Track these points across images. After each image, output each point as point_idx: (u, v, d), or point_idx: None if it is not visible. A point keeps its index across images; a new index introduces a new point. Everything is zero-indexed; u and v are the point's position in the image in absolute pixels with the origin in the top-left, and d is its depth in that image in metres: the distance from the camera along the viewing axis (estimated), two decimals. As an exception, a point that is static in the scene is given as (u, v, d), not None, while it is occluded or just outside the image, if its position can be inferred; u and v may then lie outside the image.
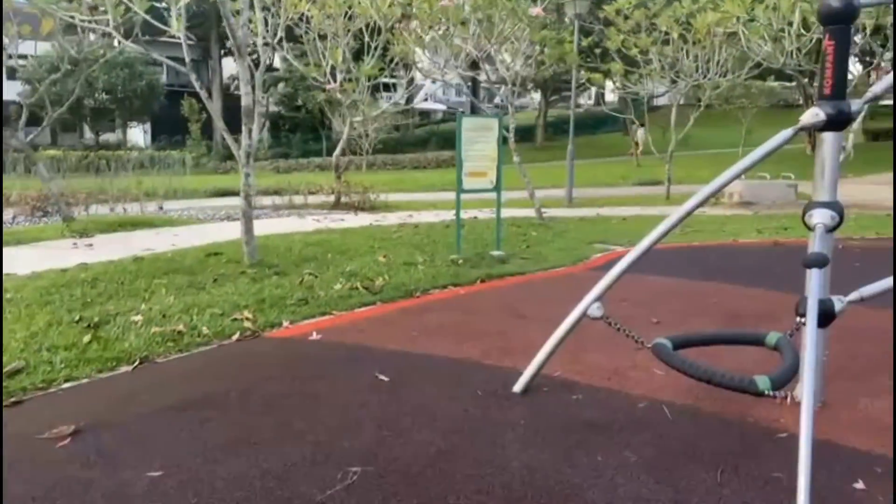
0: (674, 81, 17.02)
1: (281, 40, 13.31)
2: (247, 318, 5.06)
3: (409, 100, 26.11)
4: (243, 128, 6.77)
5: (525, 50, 12.19)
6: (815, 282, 3.03)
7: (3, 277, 6.16)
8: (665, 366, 3.54)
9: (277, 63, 41.21)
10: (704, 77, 15.97)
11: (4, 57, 8.75)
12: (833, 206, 3.31)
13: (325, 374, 4.12)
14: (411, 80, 15.58)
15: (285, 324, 5.06)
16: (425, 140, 41.94)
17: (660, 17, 14.89)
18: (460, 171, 7.50)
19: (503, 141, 10.09)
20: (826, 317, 3.15)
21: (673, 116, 18.05)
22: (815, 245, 3.24)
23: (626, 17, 15.26)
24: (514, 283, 6.76)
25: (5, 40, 9.26)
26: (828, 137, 3.43)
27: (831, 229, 3.29)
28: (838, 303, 3.23)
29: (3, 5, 7.94)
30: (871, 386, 3.91)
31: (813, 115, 3.20)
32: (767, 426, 3.30)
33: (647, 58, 16.03)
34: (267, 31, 8.37)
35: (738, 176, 3.57)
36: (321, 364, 4.31)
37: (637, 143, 31.79)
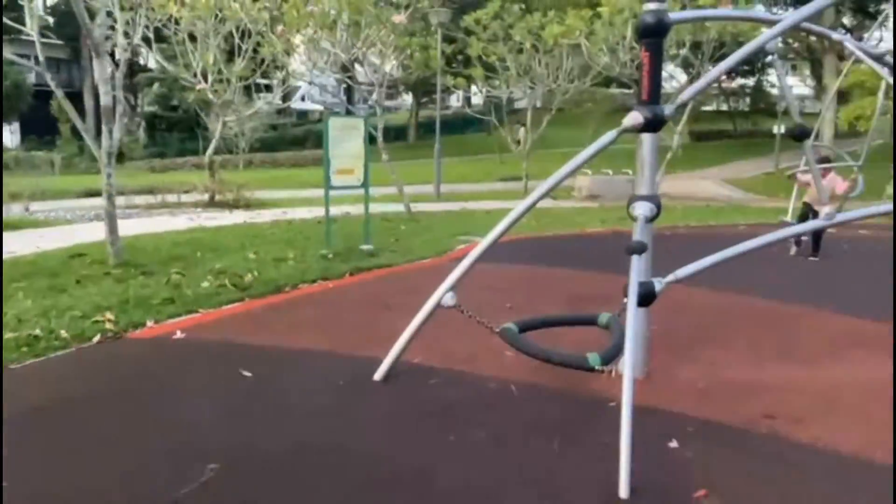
0: (531, 87, 17.55)
1: (148, 41, 12.45)
2: (109, 320, 4.64)
3: (286, 99, 25.06)
4: (104, 128, 6.23)
5: (391, 54, 12.09)
6: (635, 267, 3.16)
7: None
8: (512, 349, 3.59)
9: (152, 63, 38.63)
10: (555, 83, 16.57)
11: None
12: (652, 199, 3.47)
13: (187, 373, 3.86)
14: (284, 81, 14.99)
15: (149, 324, 4.68)
16: (303, 139, 40.61)
17: (515, 28, 15.27)
18: (328, 170, 7.31)
19: (372, 140, 9.97)
20: (648, 297, 3.30)
21: (529, 118, 18.61)
22: (637, 234, 3.38)
23: (485, 28, 15.53)
24: (382, 275, 6.66)
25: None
26: (646, 138, 3.59)
27: (651, 220, 3.45)
28: (658, 284, 3.39)
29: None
30: (688, 356, 4.18)
31: (633, 118, 3.33)
32: (601, 397, 3.42)
33: (505, 65, 16.41)
34: (131, 30, 7.70)
35: (571, 173, 3.66)
36: (184, 363, 4.03)
37: (520, 141, 32.79)
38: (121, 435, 3.03)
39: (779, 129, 28.72)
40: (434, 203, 15.67)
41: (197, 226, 10.17)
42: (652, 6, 3.28)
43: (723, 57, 13.23)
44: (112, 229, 6.46)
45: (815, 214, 7.53)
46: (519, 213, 3.53)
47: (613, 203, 15.49)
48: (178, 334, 4.46)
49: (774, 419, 3.21)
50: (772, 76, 38.49)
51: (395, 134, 41.33)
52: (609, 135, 3.46)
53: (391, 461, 2.80)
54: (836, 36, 5.14)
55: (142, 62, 37.75)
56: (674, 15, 3.63)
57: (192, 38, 12.61)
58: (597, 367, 3.13)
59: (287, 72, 13.95)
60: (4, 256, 7.25)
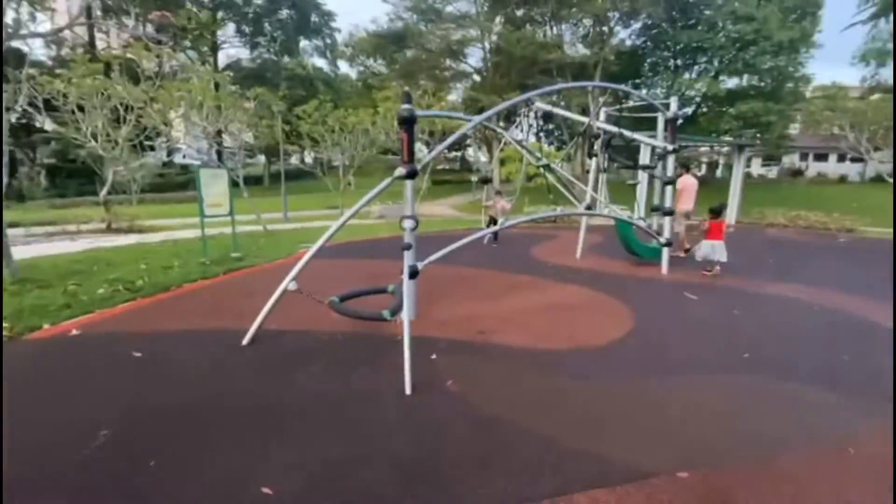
0: (342, 153, 16.79)
1: (38, 108, 9.30)
2: (3, 328, 3.31)
3: (170, 155, 20.58)
4: (-11, 174, 4.42)
5: (247, 129, 10.59)
6: (406, 257, 3.13)
7: None
8: (337, 313, 3.33)
9: (49, 126, 29.01)
10: (355, 150, 16.09)
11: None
12: (414, 217, 3.46)
13: (83, 358, 2.90)
14: (167, 142, 12.26)
15: (45, 326, 3.44)
16: (186, 184, 34.01)
17: (329, 117, 14.48)
18: (202, 203, 6.12)
19: (236, 184, 8.64)
20: (414, 273, 3.28)
21: (341, 171, 17.82)
22: (406, 238, 3.35)
23: (310, 115, 14.49)
24: (248, 273, 5.75)
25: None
26: (408, 183, 3.55)
27: (414, 228, 3.44)
28: (419, 265, 3.40)
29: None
30: (437, 303, 4.25)
31: (399, 171, 3.28)
32: (392, 335, 3.33)
33: (324, 139, 15.47)
34: (15, 99, 5.56)
35: (367, 203, 3.48)
36: (80, 351, 3.03)
37: (350, 183, 30.86)
38: (21, 414, 2.16)
39: (475, 178, 31.35)
40: (283, 224, 14.20)
41: (94, 247, 7.82)
42: (406, 107, 3.24)
43: (445, 137, 14.04)
44: (7, 254, 4.63)
45: (494, 222, 8.33)
46: (335, 228, 3.29)
47: (393, 220, 15.56)
48: (74, 332, 3.34)
49: (483, 333, 3.42)
50: (470, 150, 42.00)
51: (255, 180, 36.80)
52: (386, 181, 3.38)
53: (252, 394, 2.39)
54: (498, 129, 5.73)
55: (37, 125, 28.20)
56: (418, 112, 3.65)
57: (81, 108, 9.65)
58: (388, 318, 3.03)
59: (167, 137, 11.40)
60: None
